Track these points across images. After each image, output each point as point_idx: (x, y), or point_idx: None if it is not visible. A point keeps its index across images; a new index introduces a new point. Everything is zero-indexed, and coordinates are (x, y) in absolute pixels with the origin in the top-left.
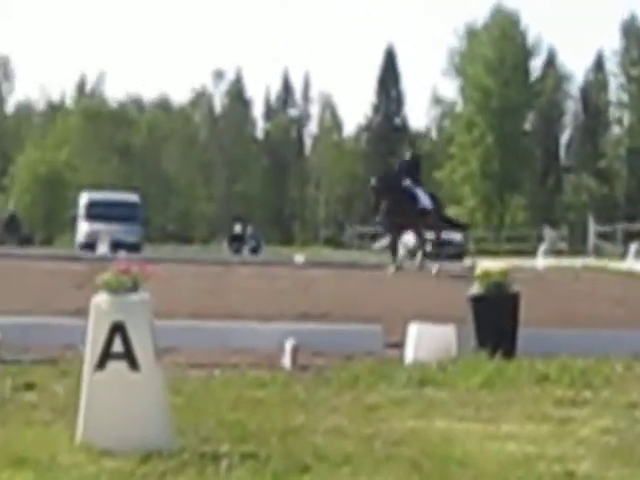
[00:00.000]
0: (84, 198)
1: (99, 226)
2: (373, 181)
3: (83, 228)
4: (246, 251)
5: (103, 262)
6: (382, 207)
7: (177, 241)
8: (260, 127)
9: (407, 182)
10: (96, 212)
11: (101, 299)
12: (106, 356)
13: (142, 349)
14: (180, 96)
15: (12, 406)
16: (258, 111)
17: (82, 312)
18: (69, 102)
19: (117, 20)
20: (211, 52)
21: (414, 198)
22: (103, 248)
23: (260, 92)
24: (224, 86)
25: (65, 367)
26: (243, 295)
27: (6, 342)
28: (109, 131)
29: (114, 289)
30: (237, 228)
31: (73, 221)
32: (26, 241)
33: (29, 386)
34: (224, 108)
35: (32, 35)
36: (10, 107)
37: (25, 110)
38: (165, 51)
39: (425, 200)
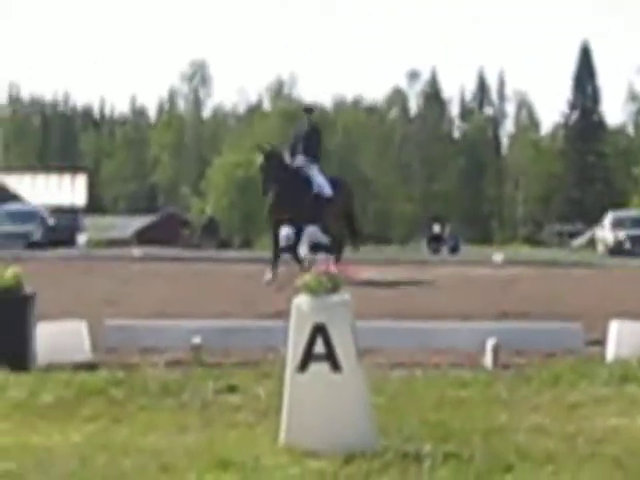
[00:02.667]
0: None
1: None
2: (260, 158)
3: (284, 231)
4: (445, 250)
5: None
6: (270, 193)
7: (375, 241)
8: (456, 126)
9: (300, 161)
10: None
11: (302, 301)
12: (308, 358)
13: (344, 350)
14: (376, 96)
15: (215, 409)
16: (454, 110)
17: (282, 314)
18: (266, 104)
19: (311, 23)
20: (406, 52)
21: (308, 182)
22: (303, 250)
23: (455, 91)
24: (419, 86)
25: (266, 369)
26: (443, 295)
27: (207, 345)
28: None
29: (314, 291)
30: (436, 228)
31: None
32: (224, 244)
33: (231, 389)
34: (419, 108)
35: (228, 39)
36: (208, 111)
37: (222, 114)
38: (361, 51)
39: (323, 187)
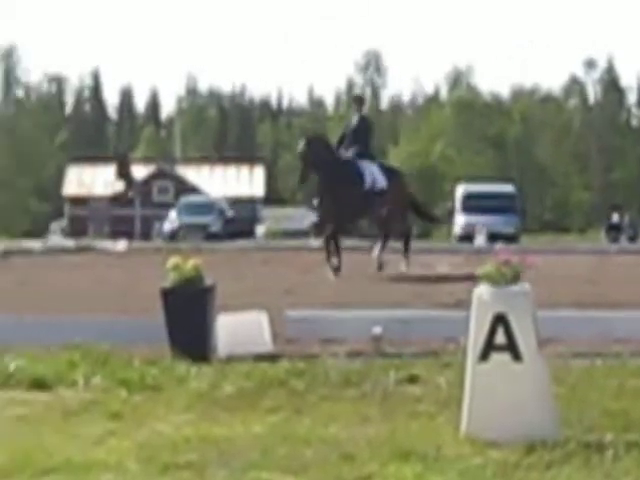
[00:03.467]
0: (460, 190)
1: (476, 218)
2: (301, 145)
3: (460, 220)
4: (624, 240)
5: (480, 254)
6: (318, 188)
7: (554, 231)
8: (634, 115)
9: (351, 153)
10: (472, 204)
11: (483, 291)
12: (489, 348)
13: (524, 340)
14: (553, 85)
15: (396, 399)
16: (631, 99)
17: (462, 304)
18: (443, 94)
19: (487, 12)
20: (582, 41)
21: (359, 176)
22: (480, 240)
23: (633, 80)
24: (596, 75)
25: (447, 359)
26: (622, 284)
27: (388, 336)
28: (483, 122)
29: (495, 281)
30: (614, 217)
31: (450, 214)
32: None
33: (412, 379)
34: (597, 96)
35: (402, 29)
36: (384, 102)
37: (398, 104)
38: (537, 40)
39: (378, 178)
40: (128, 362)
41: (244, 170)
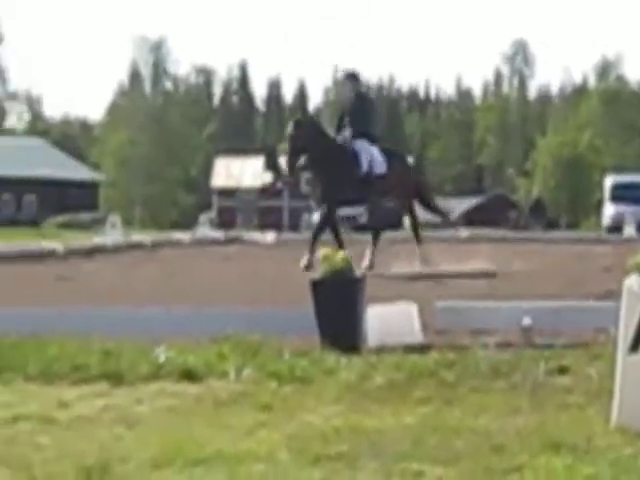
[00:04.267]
0: (609, 181)
1: (625, 208)
2: (289, 129)
3: (609, 211)
4: None
5: (630, 244)
6: (310, 173)
7: None
8: None
9: (347, 134)
10: (621, 194)
11: (633, 282)
12: (639, 339)
13: None
14: None
15: (546, 390)
16: None
17: (612, 295)
18: (591, 84)
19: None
20: None
21: (354, 159)
22: (630, 230)
23: None
24: None
25: (597, 350)
26: None
27: (538, 326)
28: (631, 112)
29: None
30: None
31: (599, 204)
32: (551, 225)
33: (562, 370)
34: None
35: (551, 18)
36: (532, 92)
37: (547, 94)
38: None
39: (377, 161)
40: (278, 354)
41: None
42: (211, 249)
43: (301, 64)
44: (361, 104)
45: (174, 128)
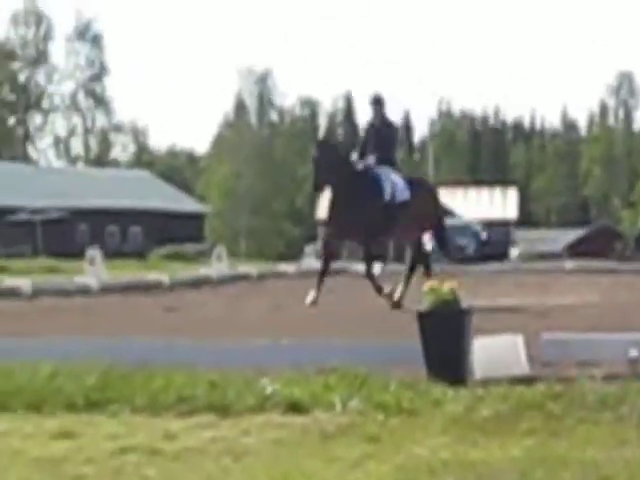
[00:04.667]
0: None
1: None
2: (314, 150)
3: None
4: None
5: None
6: (329, 197)
7: None
8: None
9: (370, 161)
10: None
11: None
12: None
13: None
14: None
15: None
16: None
17: None
18: None
19: None
20: None
21: (377, 186)
22: None
23: None
24: None
25: None
26: None
27: None
28: None
29: None
30: None
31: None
32: None
33: None
34: None
35: None
36: (638, 123)
37: None
38: None
39: (399, 187)
40: (384, 385)
41: (497, 193)
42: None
43: (405, 95)
44: (385, 130)
45: (279, 160)
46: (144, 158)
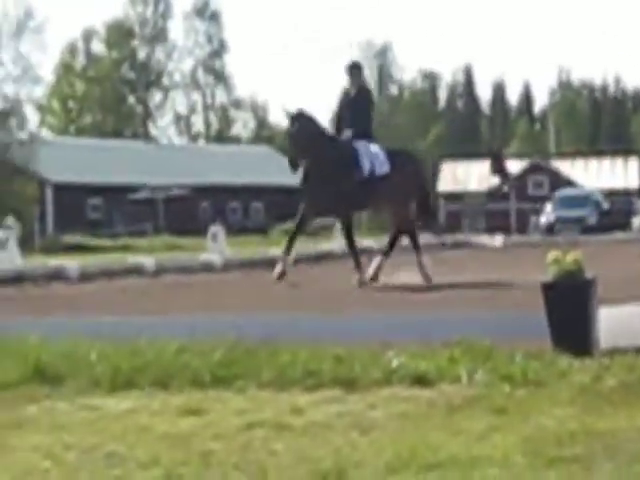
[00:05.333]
0: None
1: None
2: (289, 123)
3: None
4: None
5: None
6: (305, 174)
7: None
8: None
9: (348, 133)
10: None
11: None
12: None
13: None
14: None
15: None
16: None
17: None
18: None
19: None
20: None
21: (356, 159)
22: None
23: None
24: None
25: None
26: None
27: None
28: None
29: None
30: None
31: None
32: None
33: None
34: None
35: None
36: None
37: None
38: None
39: (379, 160)
40: (510, 357)
41: (618, 162)
42: (438, 253)
43: (525, 66)
44: (364, 98)
45: (400, 133)
46: (264, 133)
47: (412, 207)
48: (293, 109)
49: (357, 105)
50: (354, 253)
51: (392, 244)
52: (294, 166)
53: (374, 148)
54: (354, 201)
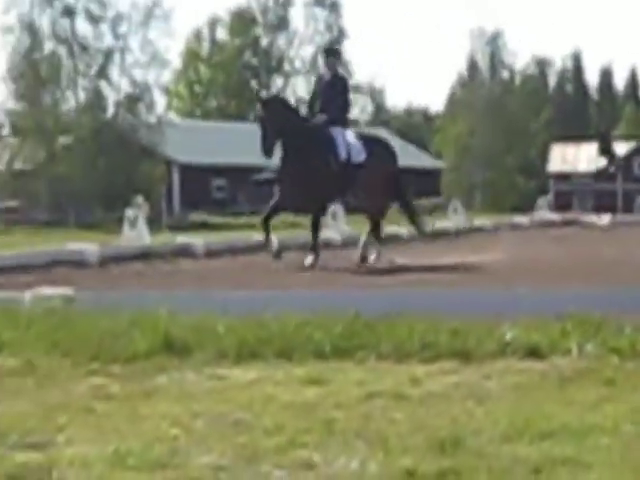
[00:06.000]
0: None
1: None
2: (258, 108)
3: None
4: None
5: None
6: (280, 162)
7: None
8: None
9: (322, 118)
10: None
11: None
12: None
13: None
14: None
15: None
16: None
17: None
18: None
19: None
20: None
21: (332, 145)
22: None
23: None
24: None
25: None
26: None
27: None
28: None
29: None
30: None
31: None
32: None
33: None
34: None
35: None
36: None
37: None
38: None
39: (356, 148)
40: (619, 330)
41: None
42: (549, 231)
43: (633, 52)
44: (339, 84)
45: (512, 117)
46: (381, 117)
47: (387, 196)
48: (265, 94)
49: (331, 91)
50: (315, 238)
51: (374, 230)
52: (267, 152)
53: (350, 136)
54: (331, 189)
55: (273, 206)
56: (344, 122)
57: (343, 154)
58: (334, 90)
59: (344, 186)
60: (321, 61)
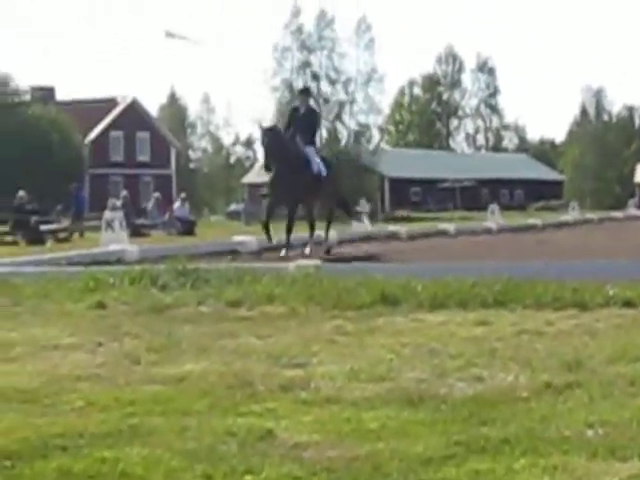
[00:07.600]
0: None
1: None
2: (262, 135)
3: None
4: None
5: None
6: (272, 174)
7: None
8: None
9: (300, 141)
10: None
11: None
12: None
13: None
14: None
15: None
16: None
17: None
18: None
19: None
20: None
21: (308, 162)
22: None
23: None
24: None
25: None
26: None
27: None
28: None
29: None
30: None
31: None
32: None
33: None
34: None
35: None
36: None
37: None
38: None
39: (321, 165)
40: None
41: None
42: (636, 222)
43: None
44: (312, 117)
45: (610, 145)
46: (523, 146)
47: (336, 196)
48: (266, 124)
49: (305, 121)
50: (289, 233)
51: (330, 223)
52: (268, 169)
53: (317, 156)
54: (307, 193)
55: (268, 209)
56: (314, 144)
57: (315, 169)
58: (309, 120)
59: (316, 191)
60: (474, 110)
